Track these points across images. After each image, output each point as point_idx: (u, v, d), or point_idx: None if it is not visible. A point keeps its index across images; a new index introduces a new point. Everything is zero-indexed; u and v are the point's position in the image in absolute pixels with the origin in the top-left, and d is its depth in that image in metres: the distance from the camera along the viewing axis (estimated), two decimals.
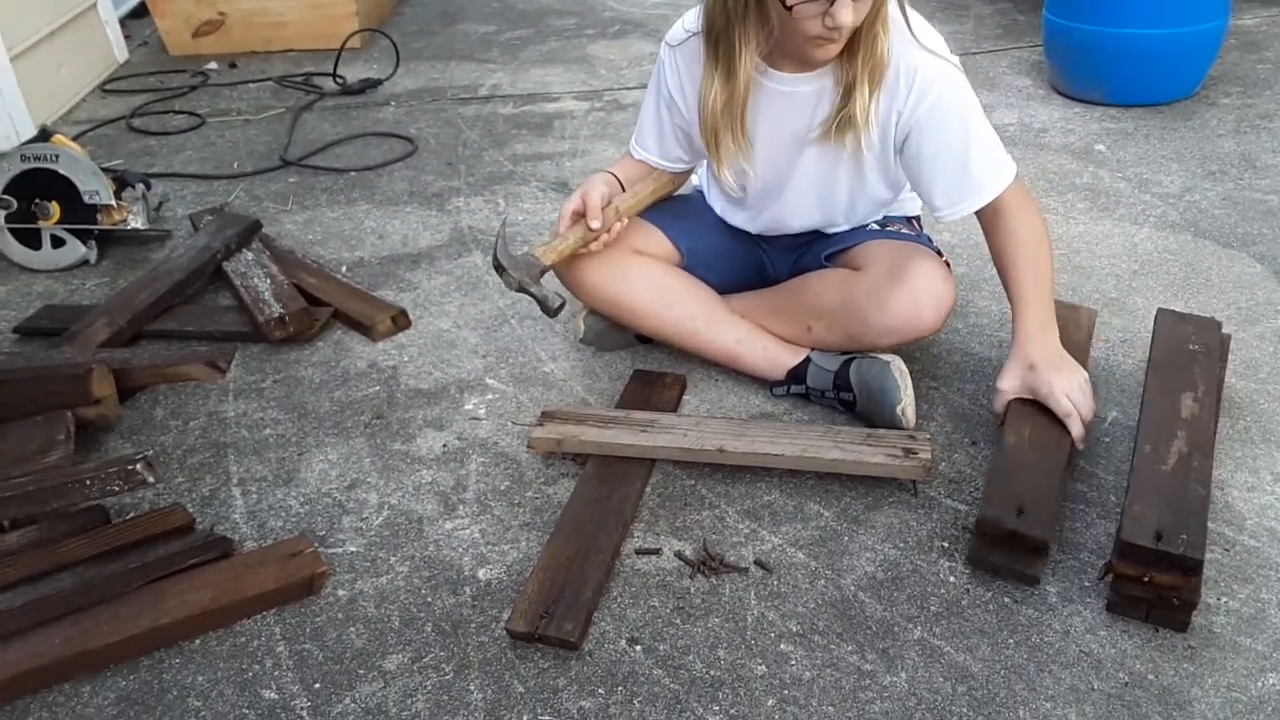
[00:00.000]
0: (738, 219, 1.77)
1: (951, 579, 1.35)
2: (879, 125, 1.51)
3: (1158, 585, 1.23)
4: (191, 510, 1.52)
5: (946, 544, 1.41)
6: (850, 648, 1.26)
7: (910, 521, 1.45)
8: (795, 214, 1.69)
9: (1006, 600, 1.31)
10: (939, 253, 1.69)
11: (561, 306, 1.62)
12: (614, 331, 1.86)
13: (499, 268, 1.64)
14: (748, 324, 1.72)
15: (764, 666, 1.24)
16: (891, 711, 1.17)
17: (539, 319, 2.01)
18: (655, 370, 1.82)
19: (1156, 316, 1.67)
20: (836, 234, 1.72)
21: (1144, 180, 2.48)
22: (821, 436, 1.51)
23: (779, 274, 1.79)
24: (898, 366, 1.57)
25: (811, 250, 1.74)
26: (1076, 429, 1.45)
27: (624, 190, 1.72)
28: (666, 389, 1.76)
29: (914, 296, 1.54)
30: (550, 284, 1.67)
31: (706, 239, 1.79)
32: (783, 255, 1.80)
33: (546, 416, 1.64)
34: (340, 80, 3.43)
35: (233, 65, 3.69)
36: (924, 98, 1.48)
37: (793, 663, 1.24)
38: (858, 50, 1.45)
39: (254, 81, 3.55)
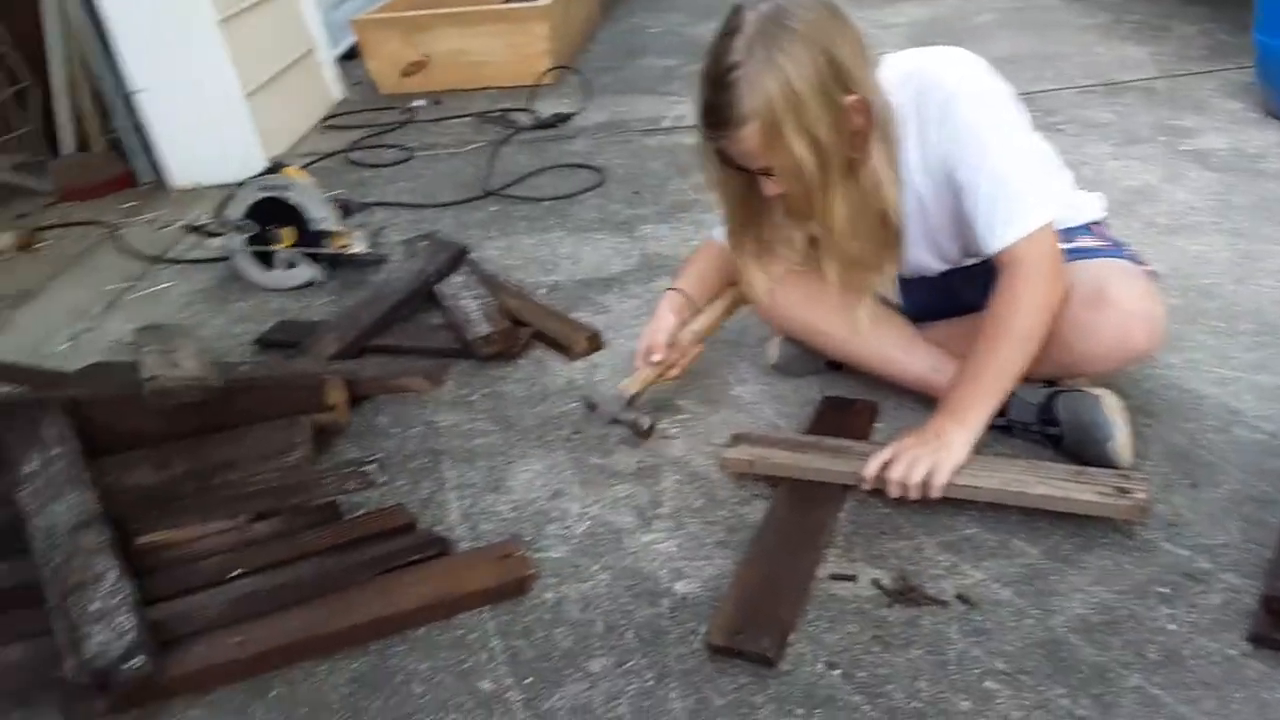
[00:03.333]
0: None
1: (1172, 627, 1.29)
2: (918, 167, 1.50)
3: None
4: (412, 511, 1.63)
5: (1167, 590, 1.34)
6: (1061, 690, 1.22)
7: (1125, 564, 1.40)
8: (923, 259, 1.68)
9: (1232, 653, 1.24)
10: (1140, 263, 1.60)
11: (652, 429, 1.74)
12: (805, 357, 1.88)
13: (590, 406, 1.77)
14: (942, 352, 1.70)
15: (969, 702, 1.22)
16: None
17: (727, 343, 2.05)
18: (846, 396, 1.83)
19: None
20: None
21: None
22: (1025, 470, 1.48)
23: (974, 302, 1.76)
24: (1110, 401, 1.52)
25: None
26: (865, 479, 1.48)
27: (695, 302, 1.79)
28: (857, 416, 1.76)
29: (1121, 320, 1.47)
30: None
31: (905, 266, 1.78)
32: (972, 283, 1.76)
33: (738, 438, 1.68)
34: (535, 115, 3.61)
35: (437, 102, 3.95)
36: (944, 127, 1.44)
37: (999, 701, 1.22)
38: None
39: (456, 117, 3.78)
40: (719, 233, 1.78)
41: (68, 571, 1.43)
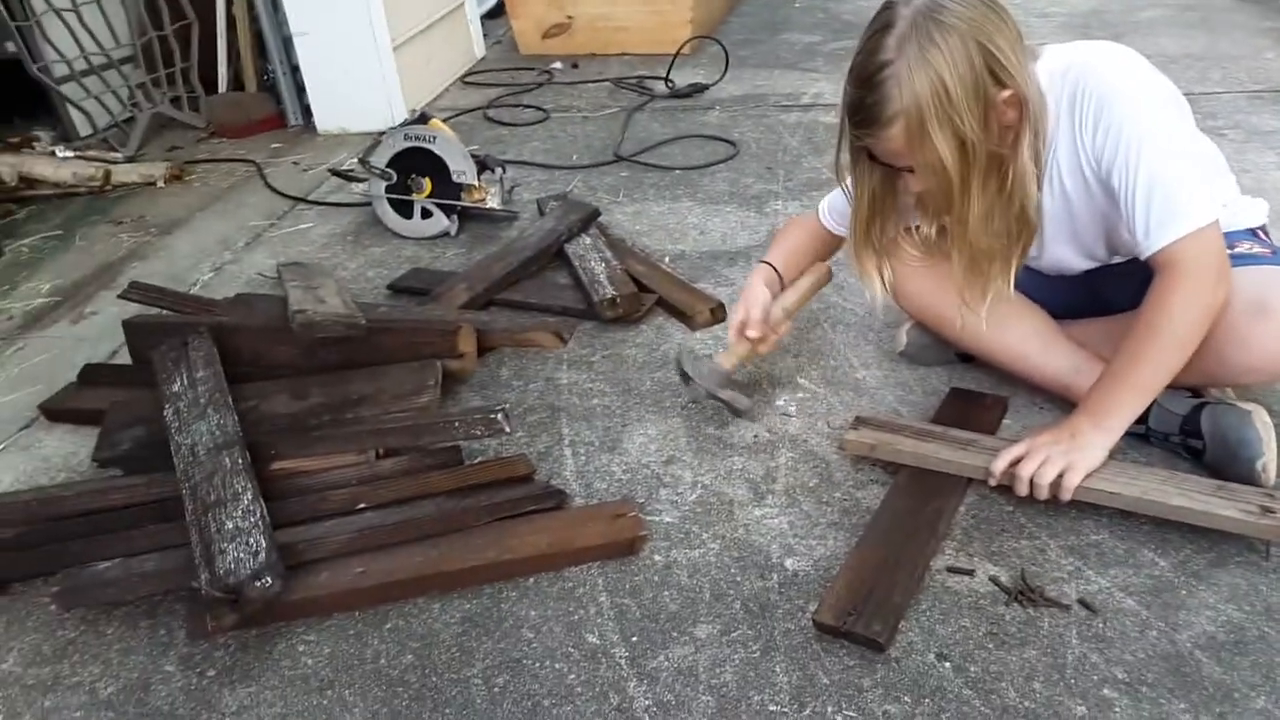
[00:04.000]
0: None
1: None
2: (1069, 166, 1.44)
3: None
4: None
5: None
6: (1182, 705, 1.18)
7: (1260, 585, 1.33)
8: (1067, 258, 1.62)
9: None
10: None
11: (749, 408, 1.74)
12: (936, 347, 1.84)
13: (684, 377, 1.75)
14: (1086, 353, 1.64)
15: (1084, 708, 1.19)
16: None
17: (852, 325, 2.03)
18: (975, 390, 1.78)
19: None
20: None
21: None
22: (1164, 481, 1.42)
23: (1120, 301, 1.69)
24: (1261, 418, 1.44)
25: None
26: (993, 474, 1.45)
27: (781, 278, 1.77)
28: (987, 410, 1.72)
29: None
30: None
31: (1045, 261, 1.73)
32: (1120, 283, 1.69)
33: (860, 421, 1.66)
34: (671, 84, 3.61)
35: (574, 65, 3.98)
36: (1099, 125, 1.38)
37: (1117, 710, 1.18)
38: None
39: (593, 82, 3.81)
40: (824, 209, 1.78)
41: (207, 489, 1.51)
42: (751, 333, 1.71)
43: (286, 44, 3.49)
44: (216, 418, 1.67)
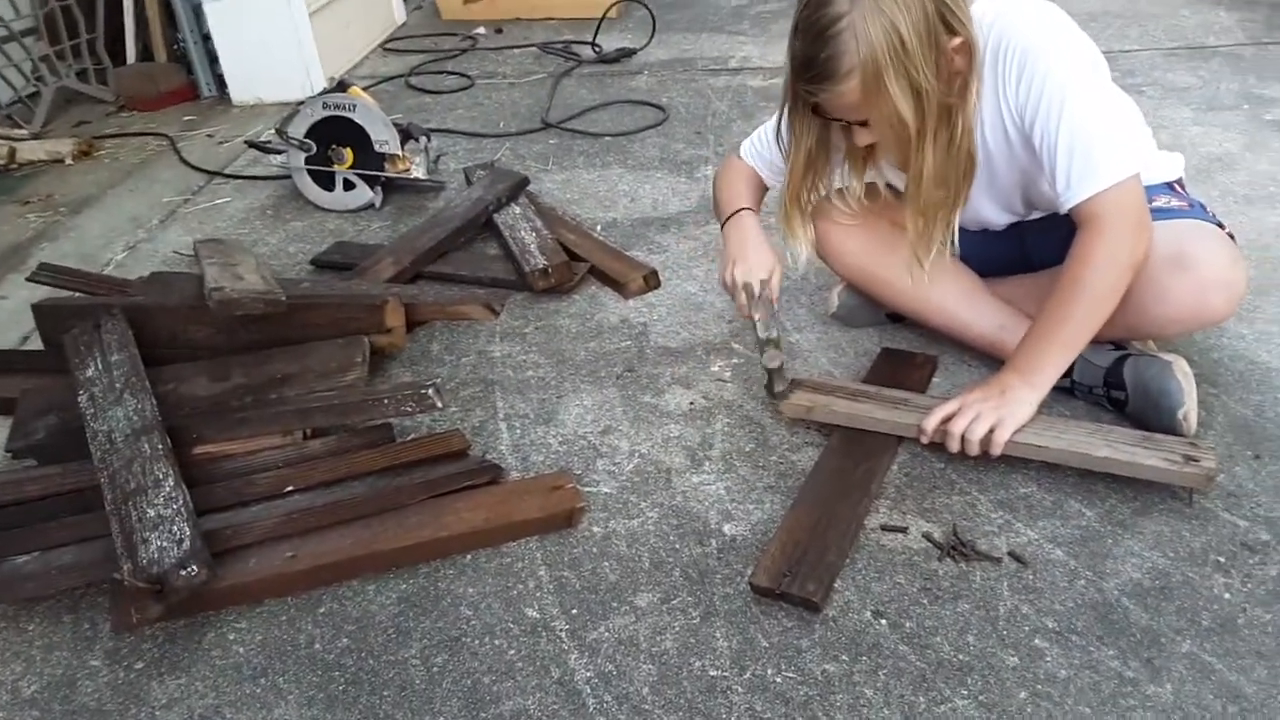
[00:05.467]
0: None
1: (1226, 595, 1.27)
2: (992, 120, 1.45)
3: None
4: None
5: (1223, 559, 1.32)
6: (1111, 652, 1.21)
7: (1183, 532, 1.37)
8: (986, 213, 1.64)
9: None
10: (1220, 225, 1.54)
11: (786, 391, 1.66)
12: (867, 308, 1.86)
13: (778, 395, 1.65)
14: (1011, 310, 1.67)
15: (1016, 658, 1.21)
16: None
17: (785, 290, 2.02)
18: (905, 349, 1.80)
19: None
20: None
21: None
22: (1091, 434, 1.45)
23: (1044, 258, 1.72)
24: (1181, 368, 1.48)
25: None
26: (924, 432, 1.46)
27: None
28: (917, 369, 1.74)
29: (1200, 285, 1.42)
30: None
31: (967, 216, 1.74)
32: (1043, 239, 1.71)
33: (796, 384, 1.66)
34: (598, 48, 3.56)
35: (499, 31, 3.90)
36: (1021, 79, 1.39)
37: (1048, 659, 1.21)
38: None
39: (518, 47, 3.74)
40: (746, 152, 1.75)
41: (126, 477, 1.46)
42: (773, 291, 1.61)
43: (196, 12, 3.36)
44: (134, 402, 1.60)
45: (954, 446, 1.45)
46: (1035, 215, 1.65)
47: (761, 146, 1.72)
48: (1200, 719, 1.12)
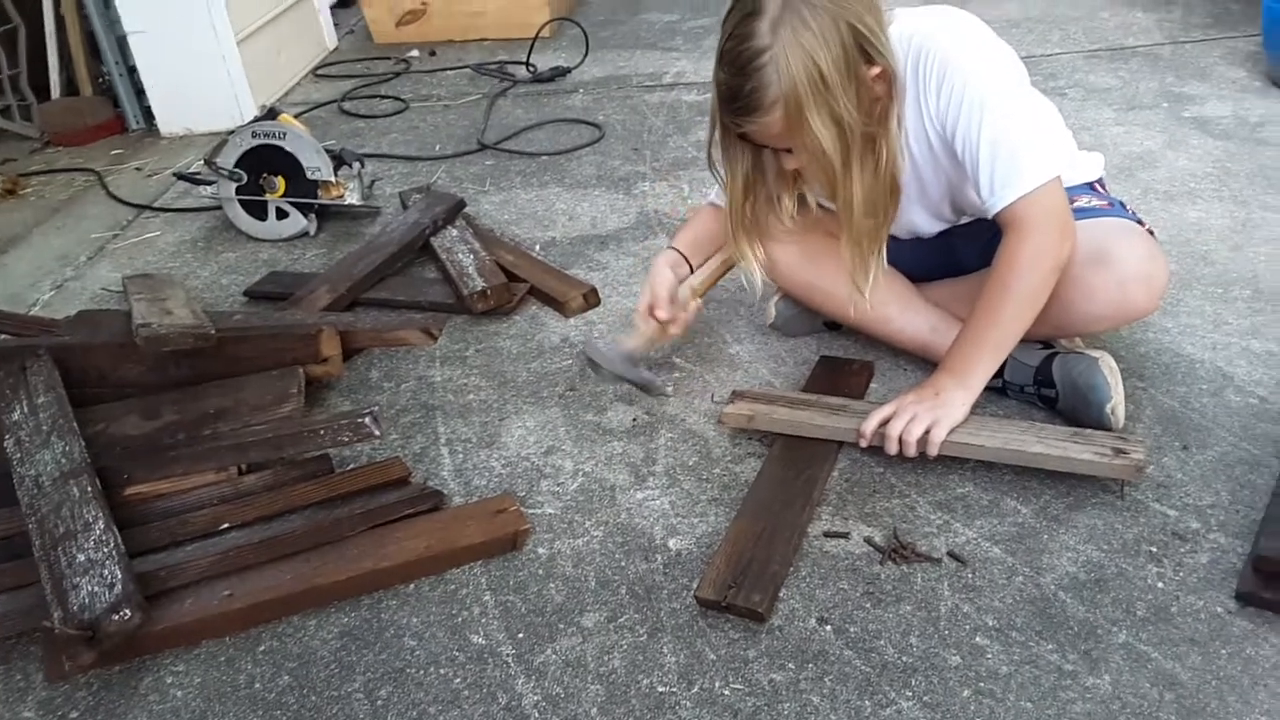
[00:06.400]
0: None
1: (1159, 585, 1.30)
2: (914, 132, 1.48)
3: None
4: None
5: (1155, 549, 1.35)
6: (1050, 646, 1.23)
7: (1115, 524, 1.40)
8: (917, 221, 1.67)
9: (1219, 610, 1.26)
10: (1139, 222, 1.58)
11: (664, 387, 1.78)
12: (803, 317, 1.87)
13: (593, 365, 1.79)
14: (941, 313, 1.70)
15: (959, 657, 1.23)
16: (1094, 713, 1.14)
17: (724, 302, 2.04)
18: (842, 357, 1.82)
19: None
20: None
21: None
22: (1024, 431, 1.48)
23: (971, 262, 1.75)
24: (1107, 364, 1.51)
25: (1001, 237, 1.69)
26: (863, 435, 1.49)
27: (688, 262, 1.75)
28: (854, 375, 1.76)
29: (1121, 281, 1.45)
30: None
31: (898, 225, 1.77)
32: (971, 243, 1.74)
33: (737, 395, 1.67)
34: (532, 68, 3.56)
35: (433, 53, 3.89)
36: (941, 89, 1.42)
37: (989, 656, 1.22)
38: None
39: (452, 69, 3.72)
40: (716, 197, 1.76)
41: (54, 521, 1.42)
42: (660, 314, 1.68)
43: (121, 44, 3.30)
44: (61, 445, 1.56)
45: (892, 449, 1.47)
46: (964, 220, 1.68)
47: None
48: (1138, 708, 1.14)
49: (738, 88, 1.36)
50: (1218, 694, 1.15)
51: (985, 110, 1.40)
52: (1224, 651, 1.20)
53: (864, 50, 1.35)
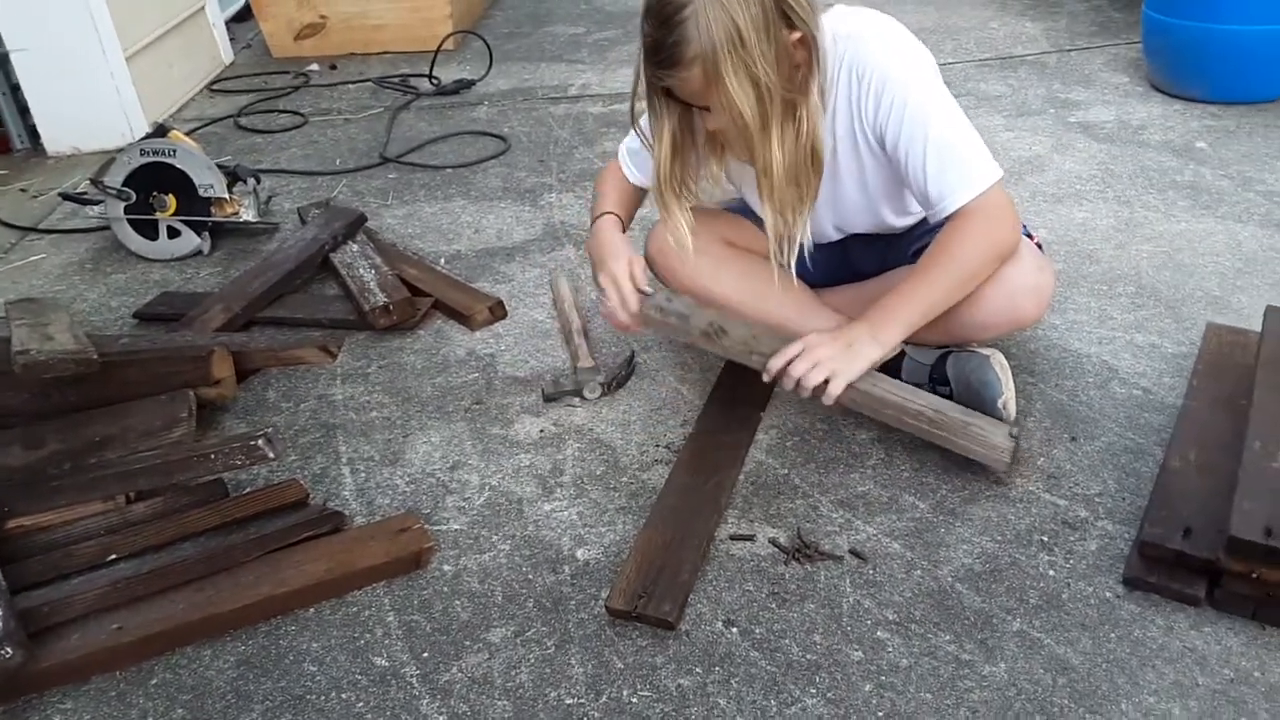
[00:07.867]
0: None
1: (1051, 573, 1.34)
2: (845, 135, 1.51)
3: (1266, 582, 1.21)
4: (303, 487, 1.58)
5: (1046, 538, 1.40)
6: (948, 637, 1.26)
7: (1008, 515, 1.44)
8: (823, 225, 1.69)
9: (1108, 595, 1.30)
10: (1029, 235, 1.63)
11: (603, 390, 1.80)
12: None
13: (576, 393, 1.81)
14: (841, 318, 1.72)
15: (860, 652, 1.25)
16: (991, 700, 1.17)
17: None
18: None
19: (1266, 314, 1.63)
20: (921, 228, 1.70)
21: (1247, 178, 2.42)
22: (914, 393, 1.54)
23: (867, 269, 1.79)
24: (998, 360, 1.56)
25: (897, 246, 1.73)
26: (769, 371, 1.50)
27: (624, 225, 1.73)
28: (758, 380, 1.76)
29: (1010, 292, 1.51)
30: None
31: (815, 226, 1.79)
32: (866, 251, 1.78)
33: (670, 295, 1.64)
34: (435, 81, 3.52)
35: (333, 67, 3.82)
36: (880, 104, 1.45)
37: (890, 650, 1.25)
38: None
39: (353, 82, 3.66)
40: (623, 156, 1.76)
41: None
42: (646, 287, 1.61)
43: (3, 62, 3.16)
44: None
45: (789, 387, 1.49)
46: (868, 231, 1.72)
47: (632, 142, 1.73)
48: (1033, 694, 1.18)
49: (660, 40, 1.36)
50: (1108, 676, 1.19)
51: (928, 124, 1.43)
52: (1113, 635, 1.24)
53: (785, 15, 1.36)
